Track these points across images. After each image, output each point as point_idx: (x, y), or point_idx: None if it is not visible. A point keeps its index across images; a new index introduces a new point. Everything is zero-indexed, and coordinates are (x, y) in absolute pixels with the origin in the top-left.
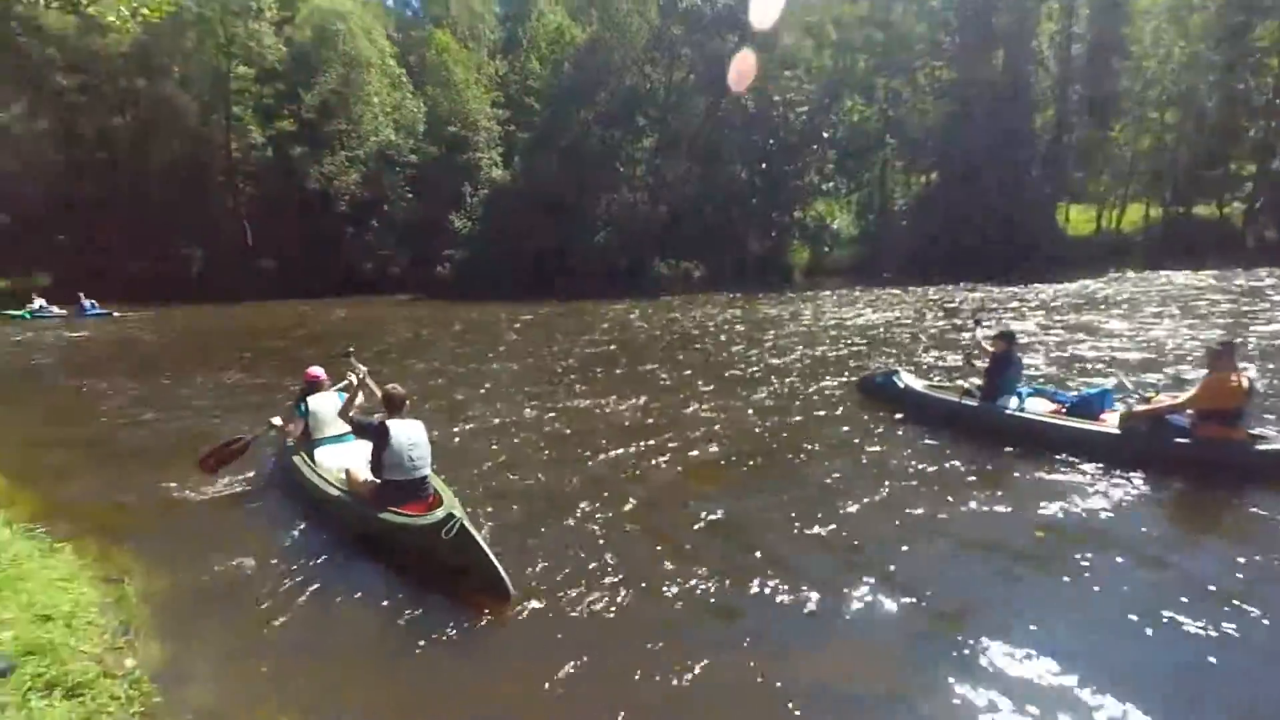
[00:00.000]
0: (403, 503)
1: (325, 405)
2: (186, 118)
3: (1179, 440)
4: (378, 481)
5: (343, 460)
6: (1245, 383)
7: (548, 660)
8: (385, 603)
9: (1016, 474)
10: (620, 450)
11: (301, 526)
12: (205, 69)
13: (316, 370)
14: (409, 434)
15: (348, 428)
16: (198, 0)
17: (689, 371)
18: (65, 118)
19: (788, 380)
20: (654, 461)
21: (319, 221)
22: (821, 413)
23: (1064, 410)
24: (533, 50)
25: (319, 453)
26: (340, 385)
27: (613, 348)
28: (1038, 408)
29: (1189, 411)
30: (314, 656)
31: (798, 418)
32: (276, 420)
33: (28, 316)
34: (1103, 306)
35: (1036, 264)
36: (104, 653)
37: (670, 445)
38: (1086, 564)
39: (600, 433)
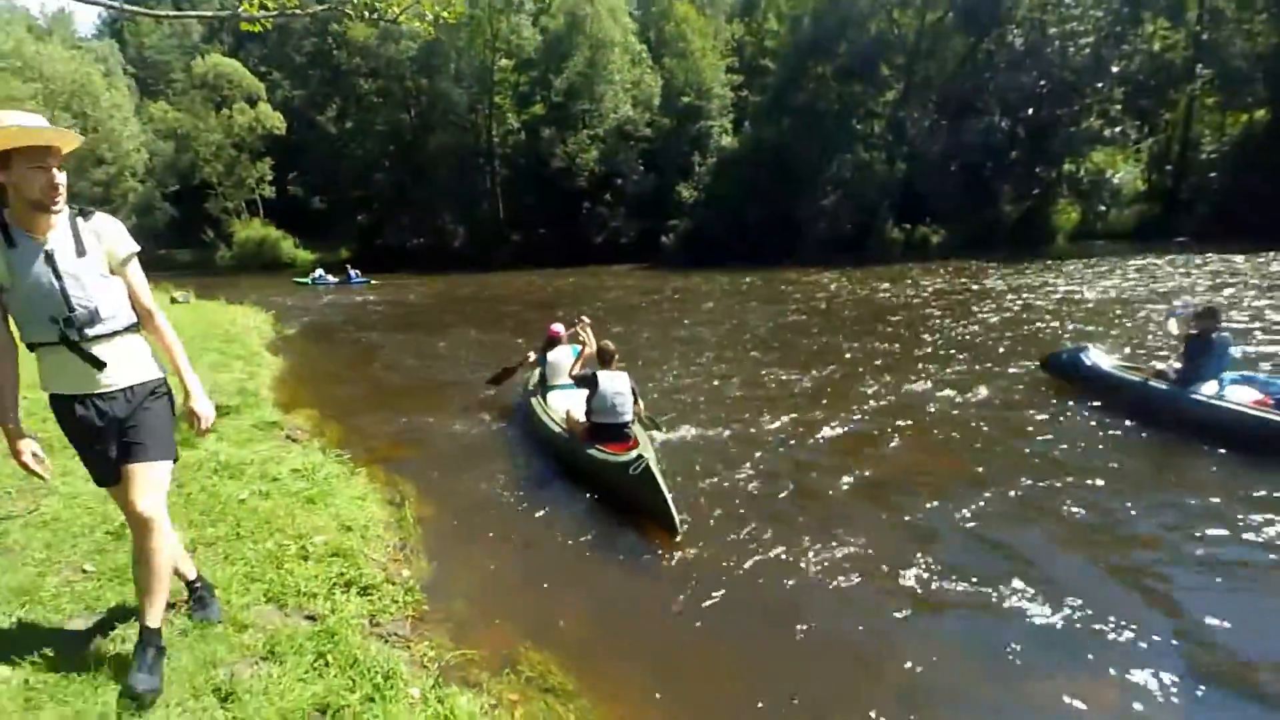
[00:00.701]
0: (607, 442)
1: (560, 357)
2: (458, 109)
3: None
4: (587, 423)
5: (568, 404)
6: None
7: (697, 595)
8: (584, 525)
9: (1206, 474)
10: (784, 418)
11: (533, 460)
12: (474, 64)
13: (557, 327)
14: (615, 384)
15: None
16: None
17: (879, 345)
18: (365, 117)
19: (980, 359)
20: (813, 434)
21: (559, 197)
22: (1000, 398)
23: (1271, 402)
24: (770, 8)
25: (551, 396)
26: (571, 333)
27: (808, 318)
28: (1240, 396)
29: None
30: (530, 572)
31: (972, 398)
32: (532, 355)
33: (311, 283)
34: None
35: None
36: (388, 562)
37: (832, 420)
38: None
39: (769, 400)
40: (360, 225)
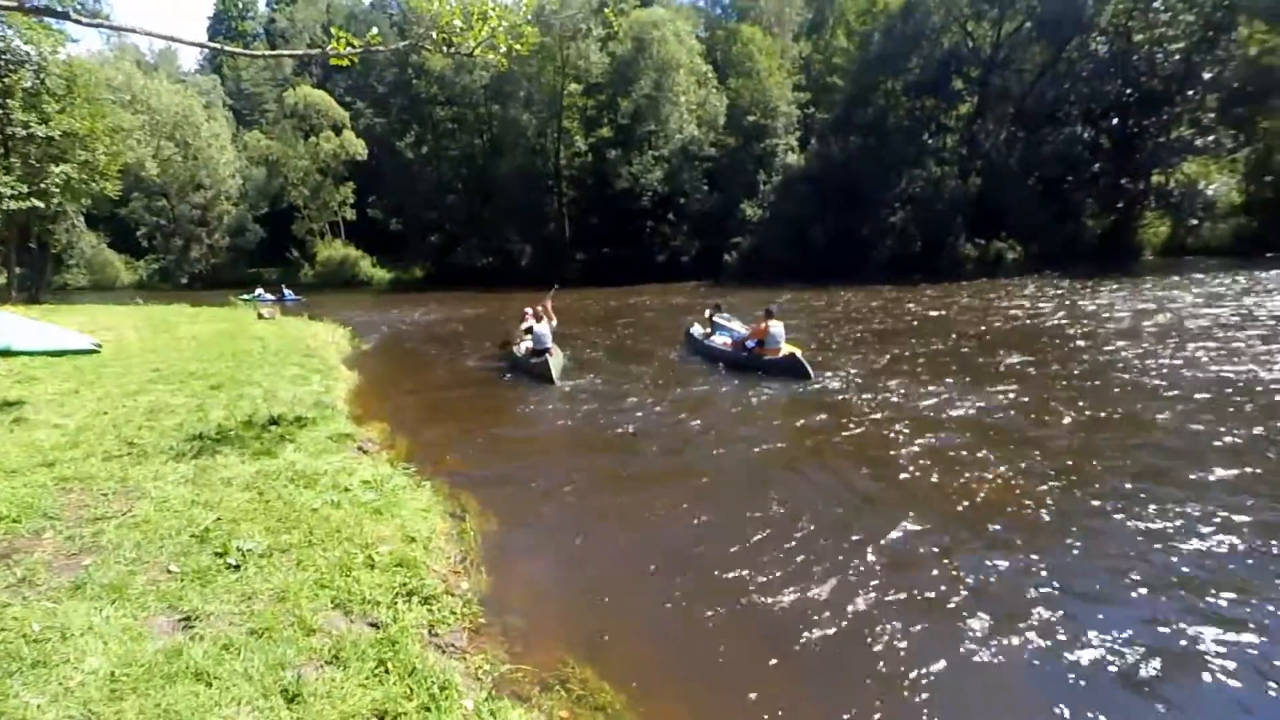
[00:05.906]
0: (540, 356)
1: (531, 321)
2: (527, 134)
3: (744, 353)
4: (533, 348)
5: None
6: (771, 327)
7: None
8: (642, 544)
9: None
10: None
11: (577, 469)
12: (544, 90)
13: (527, 310)
14: (542, 329)
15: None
16: (542, 28)
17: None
18: (440, 143)
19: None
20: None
21: (623, 216)
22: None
23: (731, 343)
24: (839, 25)
25: (526, 344)
26: (537, 309)
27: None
28: (718, 341)
29: (752, 341)
30: (583, 588)
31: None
32: (523, 344)
33: (251, 301)
34: None
35: None
36: (448, 574)
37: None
38: None
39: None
40: (433, 245)
